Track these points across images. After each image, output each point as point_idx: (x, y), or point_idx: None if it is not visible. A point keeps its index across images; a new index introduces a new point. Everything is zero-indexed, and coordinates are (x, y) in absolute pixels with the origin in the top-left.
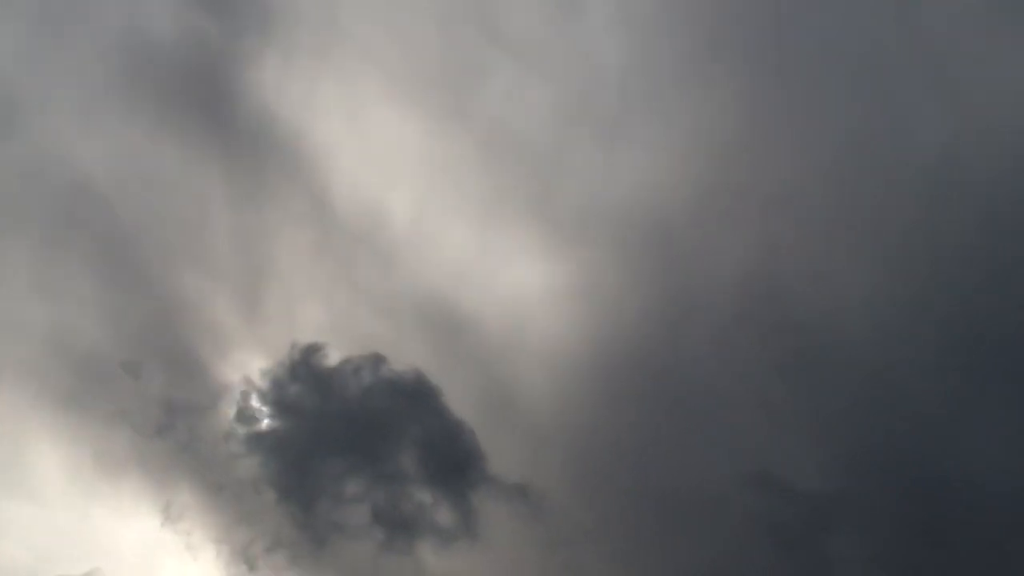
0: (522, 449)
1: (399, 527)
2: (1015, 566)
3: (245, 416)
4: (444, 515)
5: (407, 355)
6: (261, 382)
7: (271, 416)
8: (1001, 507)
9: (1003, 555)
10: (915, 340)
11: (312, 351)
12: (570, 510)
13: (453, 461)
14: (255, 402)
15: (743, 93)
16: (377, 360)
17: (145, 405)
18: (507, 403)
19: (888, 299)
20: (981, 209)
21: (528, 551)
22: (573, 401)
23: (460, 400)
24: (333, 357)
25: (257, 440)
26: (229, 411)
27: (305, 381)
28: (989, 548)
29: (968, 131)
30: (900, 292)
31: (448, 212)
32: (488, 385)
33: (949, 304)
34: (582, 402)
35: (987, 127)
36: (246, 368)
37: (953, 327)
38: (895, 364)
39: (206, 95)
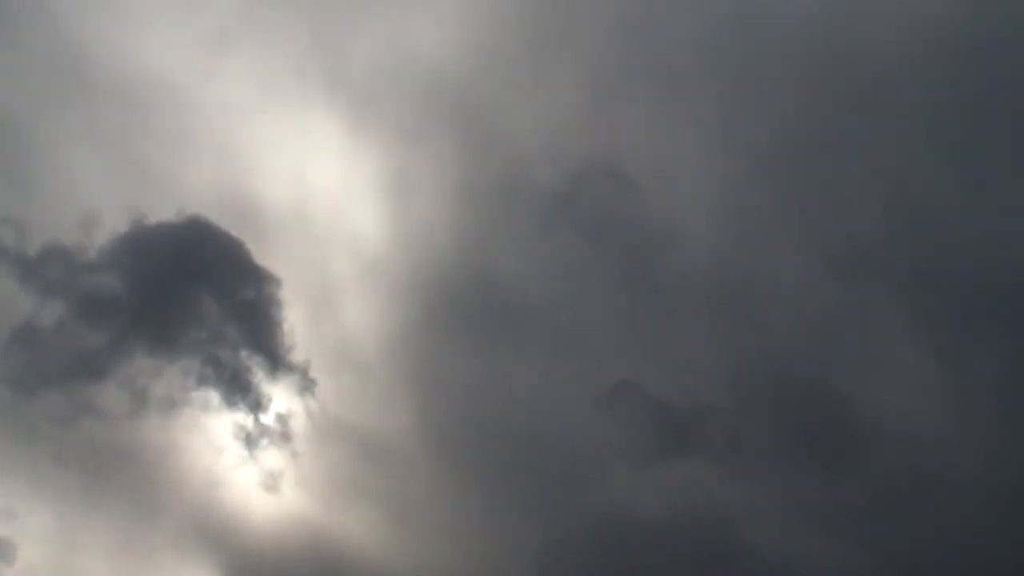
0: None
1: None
2: (901, 480)
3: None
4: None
5: None
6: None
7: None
8: (890, 420)
9: (891, 469)
10: (770, 223)
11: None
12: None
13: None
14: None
15: None
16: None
17: None
18: (325, 307)
19: (740, 186)
20: (853, 82)
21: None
22: (392, 315)
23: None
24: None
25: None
26: None
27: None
28: (876, 461)
29: None
30: (753, 178)
31: (227, 79)
32: (299, 293)
33: (814, 183)
34: (402, 316)
35: None
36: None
37: (821, 215)
38: (754, 257)
39: None
